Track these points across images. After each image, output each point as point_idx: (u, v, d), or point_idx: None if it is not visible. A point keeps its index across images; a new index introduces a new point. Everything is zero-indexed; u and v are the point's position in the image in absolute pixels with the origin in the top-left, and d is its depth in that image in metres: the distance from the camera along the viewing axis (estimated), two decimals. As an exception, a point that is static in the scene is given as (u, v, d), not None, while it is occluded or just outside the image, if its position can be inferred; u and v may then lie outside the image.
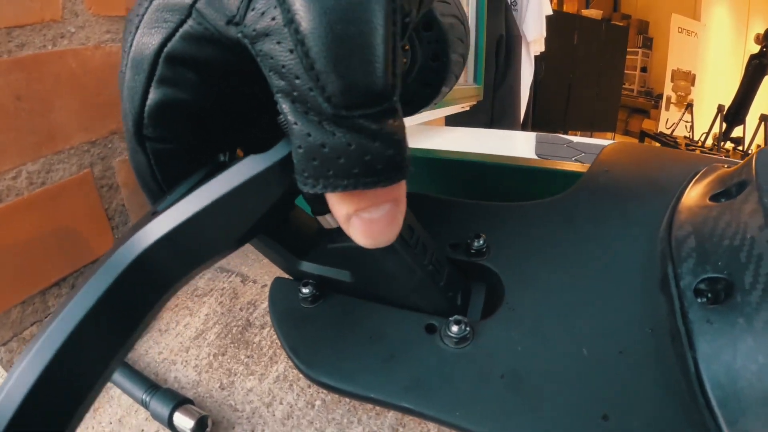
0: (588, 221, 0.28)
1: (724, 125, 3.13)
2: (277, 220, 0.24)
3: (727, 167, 0.31)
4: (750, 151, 3.17)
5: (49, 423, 0.15)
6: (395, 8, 0.13)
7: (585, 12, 3.78)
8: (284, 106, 0.14)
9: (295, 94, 0.14)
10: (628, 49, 3.84)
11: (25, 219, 0.38)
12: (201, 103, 0.18)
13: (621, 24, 3.87)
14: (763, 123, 3.06)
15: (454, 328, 0.22)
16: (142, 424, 0.32)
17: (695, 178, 0.30)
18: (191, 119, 0.18)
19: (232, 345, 0.37)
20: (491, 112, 1.71)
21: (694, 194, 0.28)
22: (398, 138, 0.14)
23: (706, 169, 0.31)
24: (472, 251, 0.27)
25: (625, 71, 3.91)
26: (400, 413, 0.29)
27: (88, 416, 0.33)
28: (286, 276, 0.30)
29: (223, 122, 0.20)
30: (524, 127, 2.09)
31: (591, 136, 3.81)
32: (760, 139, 3.16)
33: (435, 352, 0.22)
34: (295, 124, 0.14)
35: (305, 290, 0.26)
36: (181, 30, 0.16)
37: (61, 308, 0.15)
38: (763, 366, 0.18)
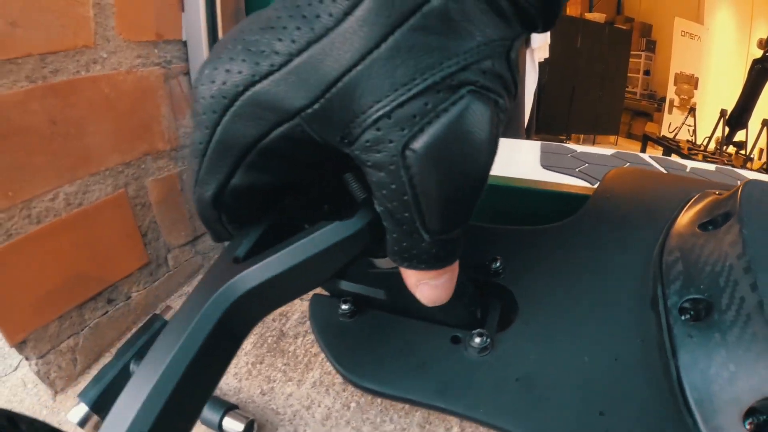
0: (590, 246, 0.32)
1: (727, 129, 3.14)
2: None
3: (718, 194, 0.34)
4: (752, 156, 3.19)
5: None
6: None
7: (588, 15, 3.81)
8: (386, 220, 0.17)
9: (398, 217, 0.16)
10: (632, 53, 3.86)
11: (62, 238, 0.38)
12: (283, 185, 0.19)
13: (624, 27, 3.88)
14: (765, 127, 3.08)
15: (477, 340, 0.26)
16: None
17: (688, 205, 0.34)
18: (268, 195, 0.20)
19: (268, 354, 0.40)
20: (496, 119, 1.73)
21: (684, 221, 0.32)
22: (459, 240, 0.19)
23: (698, 195, 0.35)
24: (491, 272, 0.31)
25: (629, 74, 3.92)
26: (427, 412, 0.33)
27: None
28: (323, 293, 0.33)
29: (295, 198, 0.22)
30: (528, 131, 2.12)
31: (594, 139, 3.84)
32: (762, 143, 3.17)
33: (460, 360, 0.26)
34: (393, 234, 0.17)
35: (345, 306, 0.30)
36: (279, 130, 0.16)
37: (166, 349, 0.17)
38: (733, 373, 0.22)
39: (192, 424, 0.18)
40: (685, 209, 0.34)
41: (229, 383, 0.38)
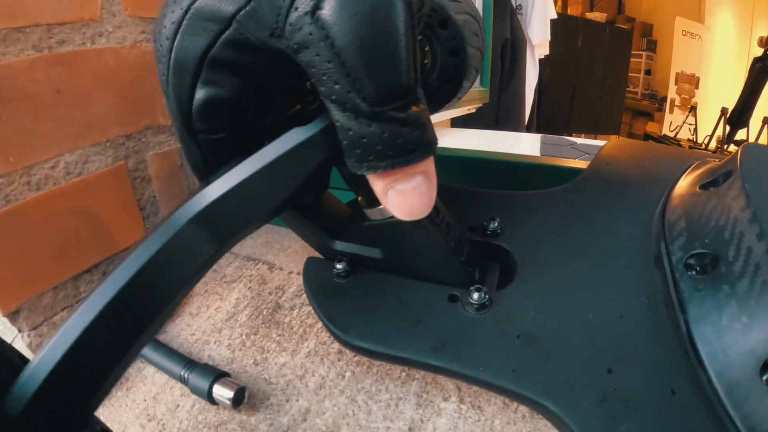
0: (591, 207, 0.31)
1: (728, 128, 3.13)
2: (316, 194, 0.27)
3: (717, 160, 0.34)
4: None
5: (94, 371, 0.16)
6: (412, 14, 0.16)
7: (589, 15, 3.81)
8: (328, 106, 0.17)
9: (334, 97, 0.16)
10: (632, 52, 3.85)
11: (60, 207, 0.39)
12: (242, 98, 0.20)
13: (625, 27, 3.88)
14: (766, 126, 3.07)
15: (475, 296, 0.25)
16: (177, 399, 0.33)
17: (687, 171, 0.33)
18: (234, 112, 0.20)
19: (263, 325, 0.40)
20: (497, 114, 1.74)
21: (685, 184, 0.31)
22: (423, 121, 0.17)
23: (697, 162, 0.34)
24: (488, 232, 0.30)
25: (629, 74, 3.92)
26: (424, 381, 0.32)
27: (121, 395, 0.34)
28: (318, 256, 0.33)
29: (263, 111, 0.22)
30: (529, 130, 2.11)
31: (595, 139, 3.83)
32: (763, 142, 3.17)
33: (458, 317, 0.25)
34: (338, 121, 0.17)
35: (339, 266, 0.29)
36: (222, 37, 0.17)
37: (123, 259, 0.17)
38: (746, 325, 0.21)
39: (135, 341, 0.17)
40: (685, 174, 0.33)
41: (222, 354, 0.37)
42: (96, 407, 0.17)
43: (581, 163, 0.45)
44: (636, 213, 0.30)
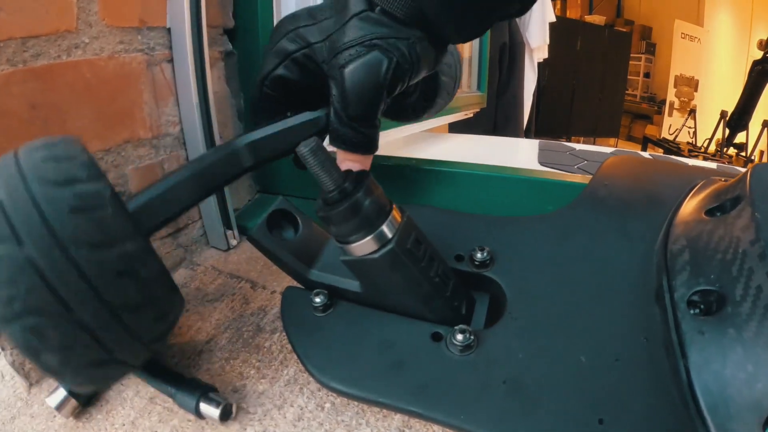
0: (587, 235, 0.29)
1: (727, 131, 3.12)
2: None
3: (724, 180, 0.32)
4: (753, 157, 3.17)
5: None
6: (388, 92, 0.29)
7: (588, 18, 3.80)
8: (332, 110, 0.30)
9: (334, 106, 0.29)
10: (631, 55, 3.84)
11: None
12: (294, 81, 0.33)
13: (624, 30, 3.88)
14: (766, 129, 3.06)
15: (459, 337, 0.23)
16: (155, 425, 0.32)
17: (692, 192, 0.31)
18: (287, 86, 0.33)
19: (243, 350, 0.38)
20: (494, 119, 1.72)
21: (690, 208, 0.29)
22: (372, 136, 0.30)
23: (703, 182, 0.32)
24: (476, 263, 0.28)
25: (628, 77, 3.91)
26: (406, 416, 0.30)
27: (101, 417, 0.33)
28: (297, 285, 0.31)
29: (299, 95, 0.34)
30: (527, 134, 2.10)
31: (594, 142, 3.81)
32: (763, 145, 3.16)
33: (441, 359, 0.23)
34: (332, 119, 0.30)
35: (317, 299, 0.27)
36: (303, 51, 0.31)
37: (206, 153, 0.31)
38: (751, 374, 0.19)
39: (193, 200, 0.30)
40: (689, 196, 0.31)
41: (202, 378, 0.36)
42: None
43: (578, 177, 0.43)
44: (636, 241, 0.28)
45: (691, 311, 0.22)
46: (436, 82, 0.41)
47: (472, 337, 0.23)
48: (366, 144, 0.30)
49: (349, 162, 0.30)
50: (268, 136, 0.32)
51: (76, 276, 0.22)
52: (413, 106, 0.43)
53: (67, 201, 0.22)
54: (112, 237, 0.23)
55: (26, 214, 0.21)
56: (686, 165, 0.47)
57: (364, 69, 0.29)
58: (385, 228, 0.23)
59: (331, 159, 0.23)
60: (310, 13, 0.33)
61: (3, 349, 0.35)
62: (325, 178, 0.23)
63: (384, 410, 0.30)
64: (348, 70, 0.29)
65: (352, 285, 0.27)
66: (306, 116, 0.33)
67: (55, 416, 0.33)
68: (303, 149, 0.23)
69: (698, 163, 1.13)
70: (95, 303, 0.23)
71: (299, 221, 0.30)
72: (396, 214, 0.24)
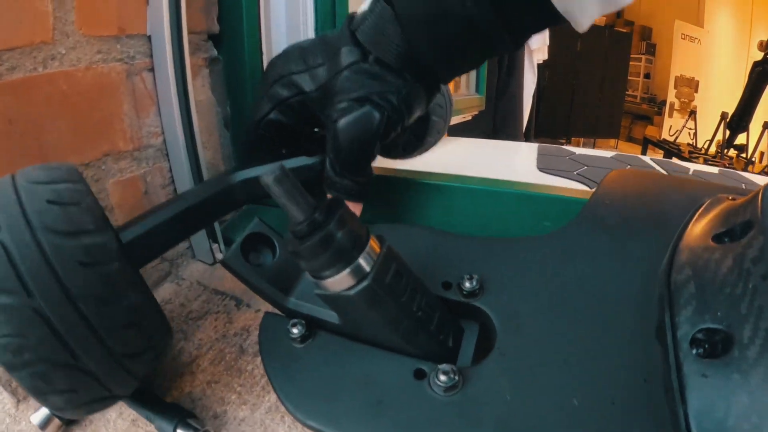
0: (586, 259, 0.28)
1: (728, 132, 3.11)
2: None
3: (732, 199, 0.30)
4: (753, 159, 3.15)
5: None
6: (383, 141, 0.31)
7: (588, 18, 3.77)
8: (327, 159, 0.32)
9: (330, 156, 0.31)
10: (632, 56, 3.83)
11: None
12: (287, 125, 0.35)
13: (624, 30, 3.86)
14: (766, 130, 3.04)
15: (443, 378, 0.22)
16: None
17: (698, 212, 0.30)
18: (280, 129, 0.35)
19: (225, 373, 0.37)
20: (494, 121, 1.71)
21: (696, 232, 0.27)
22: (362, 187, 0.32)
23: (709, 201, 0.30)
24: (465, 292, 0.26)
25: (629, 78, 3.90)
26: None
27: None
28: (276, 312, 0.29)
29: (292, 135, 0.36)
30: (527, 135, 2.08)
31: (594, 143, 3.80)
32: (763, 147, 3.14)
33: (423, 399, 0.22)
34: (326, 166, 0.32)
35: (294, 330, 0.25)
36: (296, 97, 0.33)
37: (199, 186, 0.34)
38: (756, 426, 0.17)
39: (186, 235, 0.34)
40: (695, 217, 0.29)
41: (183, 403, 0.35)
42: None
43: (577, 192, 0.42)
44: (638, 266, 0.27)
45: (694, 351, 0.20)
46: (427, 123, 0.43)
47: (456, 377, 0.22)
48: (358, 192, 0.32)
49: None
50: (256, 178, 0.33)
51: (85, 329, 0.23)
52: (404, 145, 0.45)
53: (76, 254, 0.23)
54: (119, 291, 0.24)
55: (36, 265, 0.22)
56: (692, 180, 0.45)
57: (357, 124, 0.29)
58: (361, 261, 0.21)
59: (299, 188, 0.21)
60: (301, 55, 0.33)
61: None
62: (292, 209, 0.21)
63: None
64: (341, 124, 0.29)
65: (331, 316, 0.25)
66: (302, 161, 0.35)
67: None
68: (266, 178, 0.20)
69: (700, 167, 1.11)
70: (102, 352, 0.24)
71: (276, 245, 0.29)
72: (374, 244, 0.22)
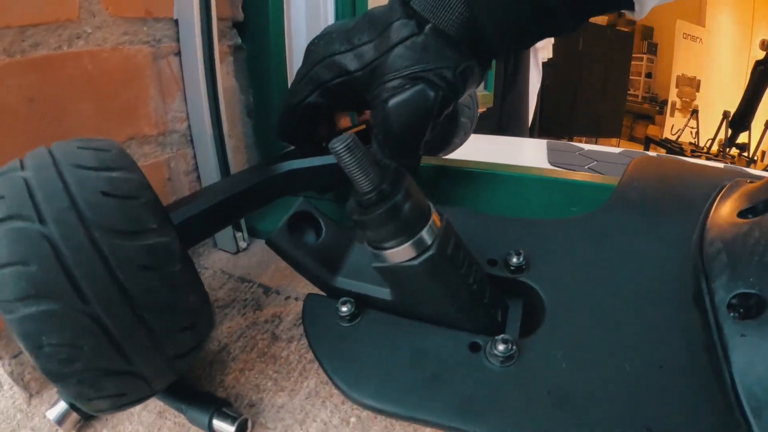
0: (622, 237, 0.28)
1: (730, 131, 3.11)
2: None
3: (750, 182, 0.31)
4: (755, 158, 3.15)
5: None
6: (433, 126, 0.29)
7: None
8: (374, 142, 0.30)
9: (379, 138, 0.30)
10: (633, 55, 3.84)
11: None
12: (326, 105, 0.34)
13: (626, 30, 3.87)
14: (768, 129, 3.05)
15: (501, 347, 0.22)
16: None
17: (721, 194, 0.31)
18: (318, 111, 0.34)
19: (258, 360, 0.37)
20: (500, 117, 1.71)
21: (722, 210, 0.29)
22: (414, 166, 0.31)
23: (730, 184, 0.32)
24: (512, 267, 0.27)
25: (630, 77, 3.90)
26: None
27: None
28: (319, 292, 0.30)
29: (330, 116, 0.37)
30: (532, 133, 2.09)
31: (596, 142, 3.80)
32: (765, 145, 3.15)
33: (481, 371, 0.22)
34: (372, 145, 0.30)
35: (344, 308, 0.26)
36: (339, 79, 0.31)
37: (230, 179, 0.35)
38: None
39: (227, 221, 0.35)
40: (718, 198, 0.30)
41: (215, 392, 0.35)
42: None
43: (602, 179, 0.42)
44: (670, 243, 0.28)
45: (732, 315, 0.21)
46: (455, 123, 0.43)
47: (513, 347, 0.22)
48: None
49: None
50: (309, 169, 0.34)
51: (144, 336, 0.21)
52: (430, 144, 0.44)
53: (138, 257, 0.20)
54: (180, 294, 0.22)
55: (93, 270, 0.19)
56: (709, 166, 0.46)
57: (409, 104, 0.27)
58: (424, 234, 0.22)
59: (368, 156, 0.21)
60: (346, 36, 0.31)
61: (1, 359, 0.34)
62: (361, 177, 0.21)
63: (414, 425, 0.29)
64: (392, 104, 0.27)
65: (382, 292, 0.25)
66: (321, 160, 0.34)
67: (57, 430, 0.32)
68: (338, 145, 0.20)
69: (705, 162, 1.11)
70: (157, 357, 0.22)
71: (322, 224, 0.29)
72: (436, 218, 0.23)
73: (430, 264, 0.22)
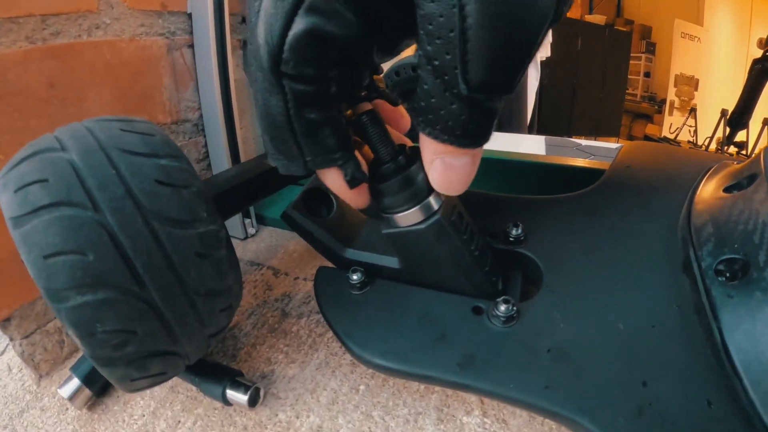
0: (614, 212, 0.30)
1: (728, 129, 3.12)
2: None
3: (737, 164, 0.33)
4: (753, 156, 3.16)
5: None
6: (550, 24, 0.15)
7: (588, 17, 3.80)
8: (421, 63, 0.16)
9: (437, 63, 0.15)
10: (632, 55, 3.85)
11: None
12: (346, 39, 0.16)
13: (624, 29, 3.88)
14: (766, 127, 3.06)
15: (502, 308, 0.24)
16: (178, 415, 0.32)
17: (708, 174, 0.33)
18: (334, 57, 0.17)
19: (270, 335, 0.38)
20: (499, 115, 1.72)
21: (708, 188, 0.30)
22: (494, 116, 0.17)
23: (717, 165, 0.34)
24: (511, 239, 0.29)
25: (629, 76, 3.92)
26: (444, 394, 0.30)
27: (118, 408, 0.33)
28: (329, 265, 0.31)
29: (353, 75, 0.20)
30: (530, 131, 2.10)
31: (595, 141, 3.81)
32: (763, 143, 3.15)
33: (484, 331, 0.24)
34: (426, 85, 0.16)
35: (354, 276, 0.28)
36: None
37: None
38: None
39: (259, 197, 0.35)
40: (705, 178, 0.32)
41: (226, 365, 0.36)
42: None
43: (594, 164, 0.44)
44: (660, 218, 0.29)
45: (719, 279, 0.23)
46: None
47: (514, 308, 0.24)
48: (485, 130, 0.18)
49: (451, 159, 0.18)
50: None
51: (194, 319, 0.22)
52: None
53: (193, 244, 0.21)
54: (225, 278, 0.23)
55: (153, 258, 0.20)
56: (699, 151, 0.48)
57: None
58: (431, 199, 0.24)
59: (386, 130, 0.22)
60: None
61: (12, 339, 0.35)
62: (381, 149, 0.23)
63: (421, 390, 0.31)
64: None
65: (390, 261, 0.27)
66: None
67: (67, 409, 0.32)
68: (364, 118, 0.22)
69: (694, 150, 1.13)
70: (200, 336, 0.23)
71: (334, 201, 0.31)
72: None
73: (436, 227, 0.24)
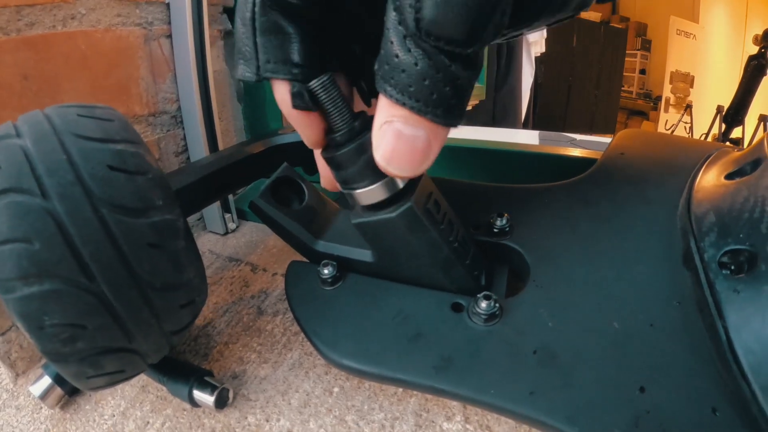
0: (607, 201, 0.28)
1: (724, 126, 3.12)
2: None
3: (737, 151, 0.31)
4: (755, 141, 3.15)
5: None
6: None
7: (583, 14, 3.80)
8: (388, 14, 0.15)
9: (397, 2, 0.14)
10: (627, 52, 3.84)
11: None
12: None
13: (620, 26, 3.88)
14: (762, 123, 3.06)
15: (483, 305, 0.22)
16: (147, 416, 0.31)
17: (708, 161, 0.31)
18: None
19: (243, 333, 0.37)
20: (493, 111, 1.71)
21: (709, 175, 0.28)
22: (461, 90, 0.15)
23: (716, 153, 0.32)
24: (495, 230, 0.26)
25: (624, 73, 3.91)
26: (424, 398, 0.28)
27: (89, 408, 0.32)
28: (302, 259, 0.29)
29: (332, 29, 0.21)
30: (525, 128, 2.09)
31: (590, 135, 3.80)
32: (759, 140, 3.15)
33: (463, 330, 0.22)
34: (390, 41, 0.15)
35: (325, 271, 0.25)
36: None
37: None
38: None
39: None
40: (705, 165, 0.30)
41: (197, 364, 0.34)
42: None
43: (588, 153, 0.42)
44: (657, 207, 0.27)
45: (723, 272, 0.21)
46: None
47: (497, 305, 0.22)
48: (449, 103, 0.15)
49: (402, 126, 0.16)
50: (299, 143, 0.32)
51: (149, 314, 0.20)
52: None
53: (146, 234, 0.20)
54: (183, 271, 0.21)
55: (101, 248, 0.18)
56: (696, 139, 0.46)
57: None
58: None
59: (342, 97, 0.20)
60: None
61: None
62: (335, 115, 0.20)
63: (398, 393, 0.29)
64: None
65: (364, 255, 0.25)
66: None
67: (41, 408, 0.32)
68: (314, 84, 0.20)
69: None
70: (158, 333, 0.22)
71: (305, 189, 0.29)
72: None
73: (408, 216, 0.21)
